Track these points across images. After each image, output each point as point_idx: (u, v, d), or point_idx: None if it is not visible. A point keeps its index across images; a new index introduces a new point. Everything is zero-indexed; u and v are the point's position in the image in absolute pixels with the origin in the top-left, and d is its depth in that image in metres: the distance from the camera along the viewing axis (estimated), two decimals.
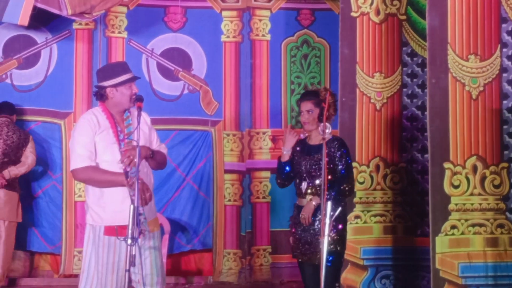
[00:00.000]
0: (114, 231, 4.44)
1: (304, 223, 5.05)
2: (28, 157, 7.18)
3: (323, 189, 4.66)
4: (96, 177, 4.49)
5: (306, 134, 5.20)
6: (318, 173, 4.98)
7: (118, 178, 4.44)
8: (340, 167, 5.00)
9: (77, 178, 4.60)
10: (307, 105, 5.13)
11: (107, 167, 4.50)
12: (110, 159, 4.50)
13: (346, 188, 5.00)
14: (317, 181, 5.02)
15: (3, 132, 7.07)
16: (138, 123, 4.41)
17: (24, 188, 7.51)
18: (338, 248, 4.99)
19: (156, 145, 4.76)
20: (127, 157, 4.39)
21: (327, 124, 4.96)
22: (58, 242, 7.57)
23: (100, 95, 4.63)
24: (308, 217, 5.01)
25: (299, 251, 5.11)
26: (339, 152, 5.02)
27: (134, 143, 4.40)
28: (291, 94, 7.93)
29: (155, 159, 4.62)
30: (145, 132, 4.63)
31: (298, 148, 5.25)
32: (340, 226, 4.99)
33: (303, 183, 5.12)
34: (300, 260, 5.15)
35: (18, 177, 7.18)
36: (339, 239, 4.99)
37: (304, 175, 5.08)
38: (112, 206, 4.51)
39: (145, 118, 4.69)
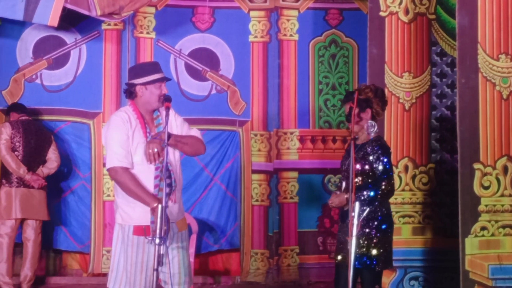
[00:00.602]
0: (143, 230, 4.46)
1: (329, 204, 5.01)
2: (53, 157, 7.22)
3: (350, 189, 4.63)
4: (130, 186, 4.48)
5: (357, 136, 5.09)
6: (360, 171, 4.90)
7: (147, 199, 4.43)
8: (379, 168, 4.88)
9: (114, 177, 4.56)
10: (347, 107, 5.03)
11: (136, 168, 4.53)
12: (140, 160, 4.52)
13: (385, 191, 4.87)
14: (356, 180, 4.95)
15: (29, 131, 7.06)
16: (166, 123, 4.43)
17: (54, 187, 7.58)
18: (381, 250, 4.89)
19: (186, 132, 4.73)
20: (150, 149, 4.41)
21: (370, 122, 4.88)
22: (87, 241, 7.63)
23: (129, 93, 4.65)
24: (335, 206, 4.96)
25: (339, 252, 5.03)
26: (376, 154, 4.89)
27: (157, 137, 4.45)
28: (319, 94, 7.90)
29: (182, 142, 4.57)
30: (172, 130, 4.64)
31: (347, 149, 5.17)
32: (383, 228, 4.90)
33: (343, 182, 5.06)
34: (337, 261, 5.04)
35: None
36: (382, 242, 4.89)
37: (345, 174, 5.02)
38: (141, 205, 4.52)
39: (172, 115, 4.70)
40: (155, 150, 4.44)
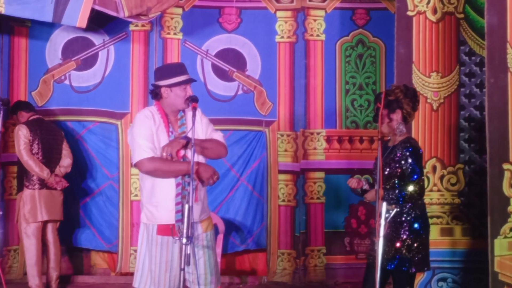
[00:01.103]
0: (168, 230, 4.48)
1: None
2: (67, 152, 7.21)
3: (377, 190, 4.61)
4: (163, 167, 4.51)
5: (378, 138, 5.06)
6: (386, 172, 4.88)
7: (184, 167, 4.48)
8: (408, 170, 4.84)
9: (144, 169, 4.55)
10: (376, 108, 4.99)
11: None
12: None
13: (413, 192, 4.82)
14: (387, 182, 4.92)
15: (41, 131, 7.01)
16: (193, 123, 4.45)
17: (83, 187, 7.65)
18: (414, 252, 4.84)
19: (209, 135, 4.76)
20: (164, 152, 4.47)
21: (400, 123, 4.86)
22: (115, 240, 7.68)
23: (155, 94, 4.69)
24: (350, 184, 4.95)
25: (371, 253, 5.00)
26: (406, 155, 4.85)
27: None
28: (345, 94, 7.88)
29: (202, 146, 4.59)
30: (197, 130, 4.66)
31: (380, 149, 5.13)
32: (416, 229, 4.86)
33: (376, 184, 5.03)
34: (369, 262, 5.00)
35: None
36: (414, 243, 4.84)
37: (374, 174, 5.00)
38: (164, 204, 4.55)
39: (199, 116, 4.71)
40: (169, 154, 4.48)
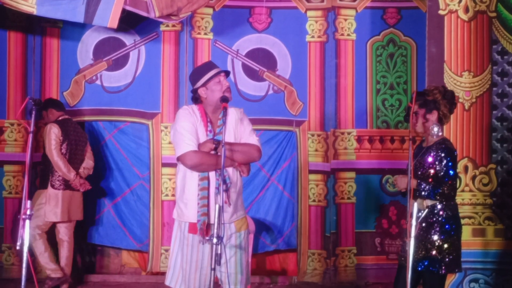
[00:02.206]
0: (197, 230, 4.50)
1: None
2: (90, 154, 7.29)
3: (408, 191, 4.59)
4: (208, 160, 4.54)
5: (423, 138, 5.04)
6: (420, 175, 4.86)
7: (227, 162, 4.51)
8: (443, 170, 4.83)
9: (189, 162, 4.56)
10: (414, 108, 4.97)
11: None
12: None
13: (445, 193, 4.82)
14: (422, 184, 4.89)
15: (70, 131, 7.09)
16: (224, 123, 4.48)
17: (112, 186, 7.72)
18: (445, 253, 4.82)
19: (245, 138, 4.77)
20: None
21: (436, 124, 4.86)
22: (145, 240, 7.73)
23: (195, 99, 4.74)
24: (397, 184, 4.90)
25: (402, 254, 4.97)
26: (441, 156, 4.85)
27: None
28: (376, 94, 7.83)
29: (232, 149, 4.60)
30: (230, 130, 4.67)
31: (416, 151, 5.12)
32: (447, 230, 4.84)
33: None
34: (401, 263, 4.99)
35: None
36: (446, 244, 4.82)
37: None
38: (194, 203, 4.57)
39: (234, 115, 4.74)
40: None
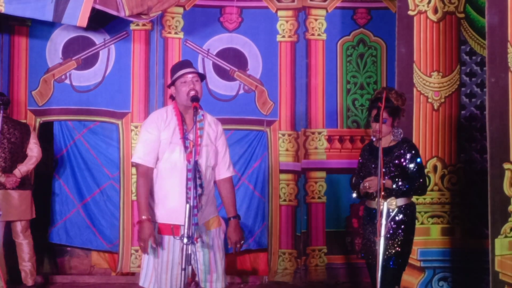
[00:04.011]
0: (170, 230, 4.49)
1: (361, 188, 5.01)
2: (33, 150, 7.03)
3: (379, 189, 4.63)
4: (138, 190, 4.63)
5: (373, 138, 5.13)
6: (387, 176, 4.94)
7: (140, 211, 4.57)
8: (412, 168, 4.97)
9: (136, 171, 4.75)
10: (375, 112, 5.03)
11: (169, 168, 4.61)
12: (174, 158, 4.58)
13: (418, 189, 4.98)
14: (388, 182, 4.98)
15: (4, 130, 6.79)
16: (194, 122, 4.48)
17: (82, 186, 7.66)
18: (405, 250, 4.94)
19: (223, 163, 4.83)
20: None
21: (400, 129, 5.00)
22: (115, 240, 7.68)
23: (171, 96, 4.79)
24: (369, 188, 4.95)
25: (368, 251, 5.06)
26: (409, 154, 4.99)
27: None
28: (347, 93, 7.87)
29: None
30: (207, 137, 4.72)
31: (366, 152, 5.22)
32: (406, 229, 4.94)
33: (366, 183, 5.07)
34: (369, 261, 5.08)
35: (29, 173, 7.08)
36: (405, 241, 4.94)
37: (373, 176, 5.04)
38: (165, 204, 4.57)
39: (212, 124, 4.82)
40: None
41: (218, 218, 4.82)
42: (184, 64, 4.80)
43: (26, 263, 6.98)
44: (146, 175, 4.61)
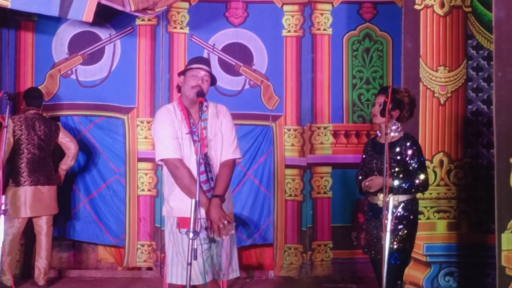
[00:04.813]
0: (187, 223, 4.51)
1: (363, 186, 4.99)
2: (70, 148, 7.18)
3: (384, 185, 4.62)
4: (185, 181, 4.58)
5: (379, 134, 5.13)
6: (390, 171, 4.93)
7: (202, 199, 4.51)
8: (413, 164, 4.96)
9: (170, 169, 4.68)
10: (380, 99, 5.06)
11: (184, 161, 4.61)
12: (185, 152, 4.59)
13: (420, 186, 4.96)
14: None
15: (35, 126, 7.02)
16: (200, 118, 4.49)
17: (88, 181, 7.67)
18: (407, 246, 4.95)
19: (227, 144, 4.77)
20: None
21: (395, 122, 4.98)
22: (121, 235, 7.69)
23: (177, 86, 4.80)
24: (371, 186, 4.94)
25: (371, 247, 5.07)
26: (411, 150, 4.97)
27: None
28: (352, 88, 7.86)
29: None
30: (213, 124, 4.72)
31: (369, 147, 5.22)
32: (408, 224, 4.94)
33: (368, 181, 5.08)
34: (372, 256, 5.10)
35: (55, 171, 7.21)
36: (407, 237, 4.94)
37: (376, 173, 5.04)
38: (183, 198, 4.58)
39: (214, 110, 4.79)
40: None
41: (231, 214, 4.84)
42: (202, 60, 4.83)
43: (42, 261, 7.03)
44: (184, 165, 4.59)
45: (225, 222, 4.52)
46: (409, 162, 4.96)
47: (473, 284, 6.27)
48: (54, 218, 7.24)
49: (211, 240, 4.61)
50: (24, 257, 7.55)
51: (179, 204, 4.60)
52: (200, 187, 4.52)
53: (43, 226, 7.05)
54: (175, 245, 4.65)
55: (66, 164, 7.22)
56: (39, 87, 7.61)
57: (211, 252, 4.58)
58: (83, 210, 7.71)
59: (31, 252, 7.45)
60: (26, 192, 6.91)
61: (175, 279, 4.69)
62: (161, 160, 4.67)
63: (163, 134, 4.63)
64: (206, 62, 4.82)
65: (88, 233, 7.72)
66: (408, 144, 4.99)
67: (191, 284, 4.60)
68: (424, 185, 5.02)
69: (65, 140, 7.19)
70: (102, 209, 7.72)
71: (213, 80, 4.77)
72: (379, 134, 5.13)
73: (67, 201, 7.68)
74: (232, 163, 4.77)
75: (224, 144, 4.74)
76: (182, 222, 4.56)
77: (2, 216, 4.20)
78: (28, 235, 7.40)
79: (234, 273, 4.84)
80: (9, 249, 6.81)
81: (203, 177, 4.60)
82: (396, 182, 4.90)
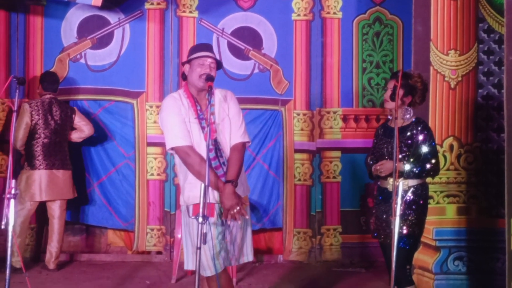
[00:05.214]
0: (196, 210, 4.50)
1: (373, 171, 4.99)
2: (84, 130, 7.24)
3: (394, 169, 4.61)
4: (199, 168, 4.54)
5: (390, 118, 5.10)
6: (400, 156, 4.92)
7: (212, 179, 4.49)
8: (424, 149, 4.93)
9: (182, 157, 4.65)
10: (391, 83, 5.02)
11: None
12: (195, 140, 4.58)
13: (431, 172, 4.95)
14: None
15: (52, 111, 7.07)
16: (209, 103, 4.48)
17: (98, 166, 7.69)
18: (416, 230, 4.93)
19: (235, 128, 4.76)
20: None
21: (407, 108, 4.95)
22: (131, 219, 7.72)
23: (183, 74, 4.75)
24: (381, 171, 4.93)
25: (380, 231, 5.06)
26: (422, 135, 4.95)
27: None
28: (362, 72, 7.83)
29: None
30: (220, 109, 4.70)
31: (380, 131, 5.20)
32: (417, 209, 4.93)
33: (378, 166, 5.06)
34: (381, 240, 5.09)
35: (69, 156, 7.24)
36: (417, 222, 4.92)
37: (386, 157, 5.02)
38: (196, 184, 4.55)
39: (220, 95, 4.77)
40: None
41: (246, 198, 4.84)
42: (207, 47, 4.80)
43: (54, 244, 7.08)
44: (196, 152, 4.57)
45: (238, 208, 4.50)
46: (420, 146, 4.93)
47: (482, 268, 6.26)
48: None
49: (225, 226, 4.60)
50: (34, 241, 7.59)
51: (194, 191, 4.58)
52: (213, 172, 4.51)
53: (56, 210, 7.10)
54: (188, 233, 4.64)
55: (76, 135, 7.24)
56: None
57: (225, 240, 4.56)
58: (92, 194, 7.74)
59: (42, 236, 7.50)
60: (41, 176, 6.96)
61: (191, 266, 4.66)
62: (172, 148, 4.64)
63: (171, 123, 4.60)
64: (211, 48, 4.80)
65: (97, 217, 7.76)
66: (419, 128, 4.96)
67: (204, 275, 4.62)
68: (435, 170, 5.00)
69: (81, 124, 7.23)
70: (112, 193, 7.75)
71: (218, 65, 4.76)
72: (390, 118, 5.10)
73: (77, 185, 7.70)
74: (242, 147, 4.74)
75: (232, 128, 4.72)
76: (196, 209, 4.56)
77: (13, 200, 4.20)
78: (39, 219, 7.44)
79: (245, 257, 4.80)
80: (19, 231, 6.86)
81: (215, 163, 4.59)
82: (407, 167, 4.88)
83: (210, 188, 4.50)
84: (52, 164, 6.99)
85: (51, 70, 7.59)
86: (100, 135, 7.71)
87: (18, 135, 6.89)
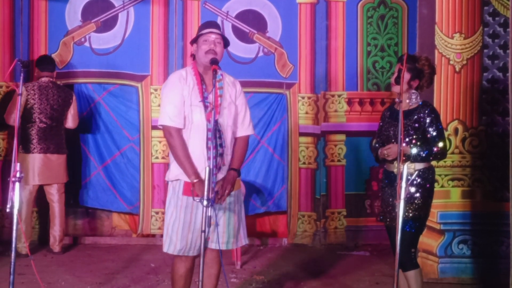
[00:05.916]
0: (190, 191, 4.50)
1: (380, 154, 5.00)
2: (69, 124, 7.22)
3: (399, 153, 4.60)
4: (178, 152, 4.56)
5: (397, 100, 5.07)
6: (406, 139, 4.91)
7: (190, 171, 4.51)
8: (431, 132, 4.91)
9: (165, 136, 4.68)
10: (398, 67, 5.00)
11: (191, 128, 4.58)
12: (195, 118, 4.57)
13: (438, 155, 4.94)
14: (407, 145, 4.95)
15: (49, 95, 7.04)
16: (213, 86, 4.46)
17: (102, 149, 7.69)
18: (422, 214, 4.93)
19: (243, 121, 4.77)
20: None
21: (414, 91, 4.92)
22: (136, 202, 7.74)
23: (192, 55, 4.77)
24: (388, 156, 4.93)
25: (386, 214, 5.06)
26: (429, 118, 4.91)
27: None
28: (367, 56, 7.81)
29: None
30: (228, 96, 4.70)
31: (387, 114, 5.17)
32: (424, 193, 4.92)
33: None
34: (387, 224, 5.09)
35: (66, 139, 7.24)
36: (423, 205, 4.92)
37: (393, 140, 5.00)
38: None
39: (231, 84, 4.78)
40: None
41: (239, 181, 4.80)
42: (211, 24, 4.79)
43: (56, 228, 7.12)
44: (180, 136, 4.58)
45: (226, 192, 4.55)
46: (427, 129, 4.91)
47: (487, 252, 6.26)
48: (68, 185, 7.29)
49: (214, 208, 4.56)
50: (39, 224, 7.63)
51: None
52: (191, 160, 4.53)
53: (54, 194, 7.11)
54: (175, 211, 4.62)
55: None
56: (53, 55, 7.61)
57: (211, 222, 4.51)
58: (97, 178, 7.76)
59: (47, 219, 7.53)
60: (34, 159, 6.95)
61: (172, 249, 4.65)
62: (160, 125, 4.69)
63: (167, 101, 4.62)
64: (216, 25, 4.79)
65: (102, 200, 7.78)
66: (426, 111, 4.93)
67: (186, 254, 4.62)
68: (442, 153, 4.98)
69: (70, 114, 7.20)
70: (117, 177, 7.76)
71: (225, 43, 4.74)
72: (397, 101, 5.07)
73: (82, 168, 7.73)
74: (248, 139, 4.84)
75: (242, 120, 4.76)
76: (186, 188, 4.56)
77: (17, 183, 4.20)
78: (41, 203, 7.46)
79: (243, 240, 4.81)
80: (24, 216, 6.89)
81: (213, 143, 4.55)
82: (414, 150, 4.86)
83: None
84: (46, 148, 6.99)
85: (54, 53, 7.60)
86: (104, 119, 7.72)
87: (12, 110, 6.88)
